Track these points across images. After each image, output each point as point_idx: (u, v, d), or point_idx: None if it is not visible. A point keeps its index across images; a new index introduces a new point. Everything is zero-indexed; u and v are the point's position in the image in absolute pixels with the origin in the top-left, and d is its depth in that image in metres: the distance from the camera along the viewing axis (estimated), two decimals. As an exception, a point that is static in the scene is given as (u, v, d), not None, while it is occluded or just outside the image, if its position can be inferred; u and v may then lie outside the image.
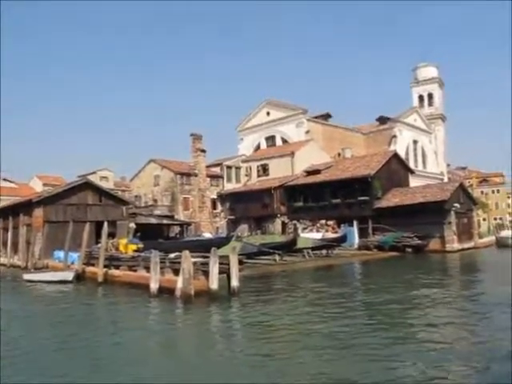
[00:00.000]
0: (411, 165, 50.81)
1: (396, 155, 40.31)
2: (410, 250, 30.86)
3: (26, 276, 22.25)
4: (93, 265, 21.54)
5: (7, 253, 31.85)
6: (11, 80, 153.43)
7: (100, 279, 19.12)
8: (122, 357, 8.52)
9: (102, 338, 10.02)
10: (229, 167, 48.83)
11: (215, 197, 46.44)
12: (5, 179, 62.36)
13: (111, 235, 25.52)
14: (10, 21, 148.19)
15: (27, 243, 28.58)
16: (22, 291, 19.64)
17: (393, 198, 34.86)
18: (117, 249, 24.08)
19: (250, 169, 48.75)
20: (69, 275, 20.40)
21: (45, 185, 57.59)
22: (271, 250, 23.65)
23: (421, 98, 71.60)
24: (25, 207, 30.77)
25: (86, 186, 31.35)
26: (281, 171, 44.38)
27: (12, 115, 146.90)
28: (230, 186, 47.49)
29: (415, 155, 62.21)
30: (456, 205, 32.20)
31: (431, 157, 65.78)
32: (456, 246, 31.46)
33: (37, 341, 9.93)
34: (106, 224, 21.66)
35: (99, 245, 22.27)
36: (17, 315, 13.51)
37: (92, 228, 24.99)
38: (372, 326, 10.22)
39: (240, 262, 15.83)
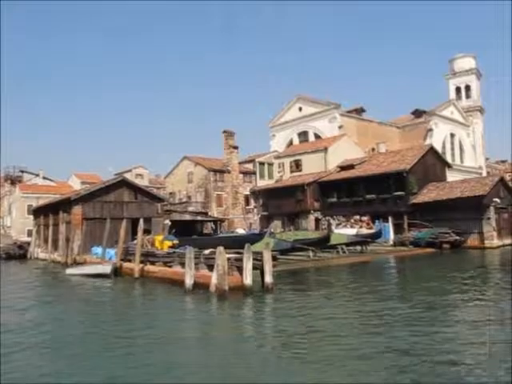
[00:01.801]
0: (448, 159, 49.50)
1: (432, 149, 39.40)
2: (447, 246, 30.10)
3: (68, 270, 23.17)
4: (129, 261, 22.03)
5: (48, 249, 32.94)
6: (48, 79, 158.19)
7: (136, 275, 19.52)
8: (159, 349, 8.70)
9: (140, 331, 10.28)
10: (261, 163, 48.89)
11: (248, 193, 46.62)
12: (44, 177, 64.31)
13: (147, 232, 26.01)
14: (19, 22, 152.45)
15: (67, 240, 29.46)
16: (67, 285, 20.29)
17: (429, 193, 34.12)
18: (152, 245, 24.52)
19: (283, 165, 48.63)
20: (107, 268, 20.97)
21: (83, 183, 59.08)
22: (305, 246, 23.56)
23: (458, 89, 69.57)
24: (64, 205, 31.70)
25: (122, 183, 32.01)
26: (314, 167, 44.08)
27: (50, 115, 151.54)
28: (262, 183, 47.55)
29: (452, 149, 60.62)
30: (496, 200, 31.21)
31: (469, 150, 63.96)
32: (496, 242, 30.52)
33: (77, 330, 10.25)
34: (141, 221, 22.10)
35: (135, 241, 22.75)
36: (61, 308, 13.99)
37: (128, 225, 25.51)
38: (409, 321, 10.05)
39: (273, 258, 15.85)
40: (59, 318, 12.30)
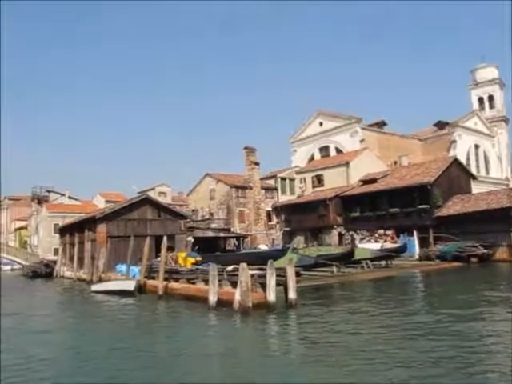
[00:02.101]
0: (473, 170, 48.67)
1: (456, 161, 38.84)
2: (474, 259, 29.40)
3: (93, 287, 23.55)
4: (153, 278, 22.15)
5: (74, 267, 33.43)
6: (74, 93, 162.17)
7: (160, 292, 19.58)
8: (184, 364, 8.69)
9: (164, 346, 10.29)
10: (283, 179, 48.90)
11: (270, 209, 46.58)
12: (70, 197, 65.60)
13: (170, 249, 26.18)
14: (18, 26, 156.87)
15: (92, 258, 29.87)
16: (91, 302, 20.52)
17: (454, 206, 33.52)
18: (176, 262, 24.64)
19: (305, 180, 48.54)
20: (131, 284, 21.12)
21: (107, 201, 60.00)
22: (328, 262, 23.33)
23: (481, 100, 68.63)
24: (89, 223, 32.23)
25: (146, 201, 32.44)
26: (336, 181, 43.87)
27: (75, 136, 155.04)
28: (284, 198, 47.49)
29: (477, 160, 59.59)
30: (524, 211, 30.43)
31: (494, 162, 62.77)
32: (526, 254, 29.67)
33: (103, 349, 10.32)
34: (165, 238, 22.26)
35: (159, 258, 22.90)
36: (88, 327, 14.13)
37: (152, 242, 25.78)
38: (435, 334, 9.80)
39: (297, 274, 15.74)
40: (85, 336, 12.41)
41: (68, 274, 34.91)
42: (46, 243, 56.56)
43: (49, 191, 65.05)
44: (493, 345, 9.38)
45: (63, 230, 42.63)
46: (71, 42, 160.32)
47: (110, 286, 22.31)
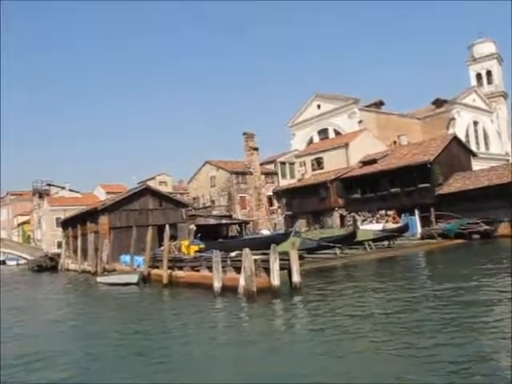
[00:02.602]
0: (473, 147, 48.57)
1: (456, 138, 38.71)
2: (477, 236, 29.51)
3: (99, 279, 23.74)
4: (157, 267, 22.24)
5: (78, 259, 33.58)
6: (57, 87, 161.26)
7: (165, 281, 19.69)
8: (193, 353, 8.78)
9: (173, 336, 10.39)
10: (283, 163, 48.83)
11: (271, 194, 46.61)
12: (70, 190, 65.65)
13: (173, 238, 26.24)
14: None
15: (95, 249, 29.98)
16: (98, 293, 20.70)
17: (455, 184, 33.50)
18: (179, 250, 24.71)
19: (305, 163, 48.45)
20: (133, 277, 21.34)
21: (108, 193, 60.05)
22: (331, 244, 23.40)
23: (479, 76, 68.18)
24: (91, 215, 32.29)
25: (147, 191, 32.42)
26: (336, 164, 43.80)
27: (73, 127, 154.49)
28: (284, 182, 47.48)
29: (476, 137, 59.45)
30: (525, 185, 30.43)
31: (494, 137, 62.59)
32: (528, 229, 29.73)
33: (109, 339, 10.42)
34: (167, 227, 22.32)
35: (162, 248, 22.99)
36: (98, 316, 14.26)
37: (154, 232, 25.81)
38: (441, 322, 9.87)
39: (300, 258, 15.78)
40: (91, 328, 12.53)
41: (72, 266, 35.10)
42: (49, 237, 56.85)
43: (49, 185, 65.08)
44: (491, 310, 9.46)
45: (65, 223, 42.74)
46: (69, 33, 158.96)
47: (114, 279, 22.48)
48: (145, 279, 21.77)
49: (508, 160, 58.04)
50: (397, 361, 7.32)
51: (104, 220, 30.24)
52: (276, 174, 48.14)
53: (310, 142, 56.85)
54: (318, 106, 56.26)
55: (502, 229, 30.03)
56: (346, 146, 44.02)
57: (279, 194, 46.54)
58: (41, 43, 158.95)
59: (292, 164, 49.31)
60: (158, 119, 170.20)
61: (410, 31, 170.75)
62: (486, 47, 67.88)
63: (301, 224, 40.78)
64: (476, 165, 39.40)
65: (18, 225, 74.26)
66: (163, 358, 8.56)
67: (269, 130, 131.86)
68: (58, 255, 40.21)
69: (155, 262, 23.00)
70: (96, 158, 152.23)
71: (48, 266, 38.26)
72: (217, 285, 15.50)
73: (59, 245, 47.89)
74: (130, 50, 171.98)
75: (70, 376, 7.83)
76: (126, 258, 25.99)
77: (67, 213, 50.63)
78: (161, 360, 8.45)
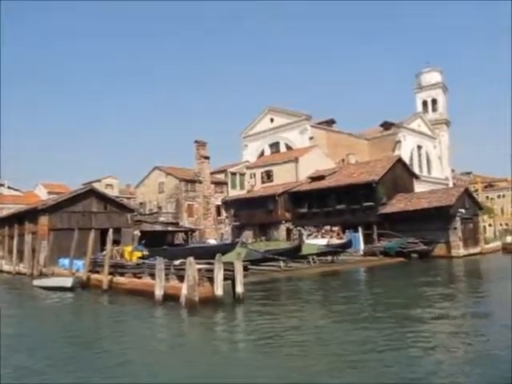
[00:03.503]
0: (416, 170, 50.77)
1: (400, 160, 40.26)
2: (415, 255, 30.73)
3: (35, 282, 22.68)
4: (98, 272, 21.55)
5: (13, 260, 31.94)
6: (15, 84, 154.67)
7: (105, 286, 19.10)
8: (128, 364, 8.50)
9: (108, 346, 10.03)
10: (233, 174, 48.87)
11: (220, 203, 46.45)
12: (9, 187, 62.59)
13: (116, 242, 25.53)
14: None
15: (32, 251, 28.65)
16: (31, 298, 19.73)
17: (397, 204, 34.78)
18: (122, 256, 24.07)
19: (255, 175, 48.77)
20: (67, 281, 20.48)
21: (49, 193, 57.72)
22: (276, 257, 23.58)
23: (424, 103, 71.57)
24: (30, 215, 30.87)
25: (91, 193, 31.40)
26: (285, 177, 44.38)
27: (15, 122, 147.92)
28: (234, 193, 47.50)
29: (420, 160, 62.20)
30: (461, 210, 32.08)
31: (436, 162, 65.69)
32: (462, 251, 31.30)
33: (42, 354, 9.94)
34: (111, 231, 21.70)
35: (104, 252, 22.31)
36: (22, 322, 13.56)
37: (97, 235, 25.01)
38: (378, 331, 10.15)
39: (245, 269, 15.82)
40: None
41: (6, 267, 33.32)
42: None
43: (-14, 181, 61.75)
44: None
45: (2, 222, 40.51)
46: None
47: (49, 282, 21.52)
48: (84, 284, 20.98)
49: (447, 184, 61.14)
50: (331, 368, 7.45)
51: (44, 220, 28.96)
52: (226, 183, 48.07)
53: (262, 154, 57.38)
54: (271, 120, 56.97)
55: (439, 249, 31.51)
56: (296, 160, 44.74)
57: (228, 204, 46.48)
58: None
59: (242, 175, 49.46)
60: (109, 120, 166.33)
61: (364, 54, 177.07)
62: (433, 76, 71.41)
63: (247, 235, 40.90)
64: (418, 187, 41.12)
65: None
66: (91, 363, 8.29)
67: (221, 139, 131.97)
68: (-9, 255, 38.09)
69: (96, 266, 22.25)
70: (40, 156, 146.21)
71: (-21, 266, 36.12)
72: (158, 293, 15.20)
73: (-7, 244, 45.41)
74: (82, 49, 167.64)
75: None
76: (65, 261, 24.96)
77: (4, 211, 48.18)
78: (88, 365, 8.17)
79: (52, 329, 12.47)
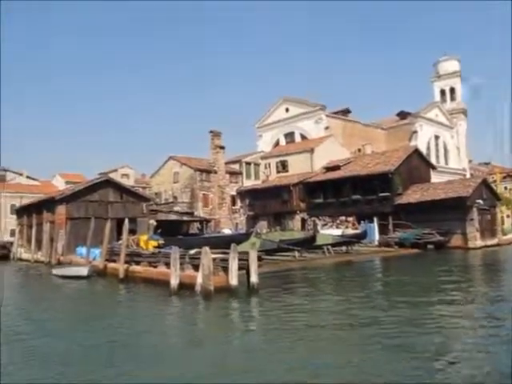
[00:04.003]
0: (432, 160, 50.12)
1: (417, 151, 39.83)
2: (431, 246, 30.45)
3: (54, 271, 23.08)
4: (114, 261, 21.84)
5: (31, 249, 32.52)
6: (32, 79, 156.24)
7: (121, 275, 19.35)
8: (144, 352, 8.62)
9: (123, 332, 10.19)
10: (248, 164, 48.88)
11: (234, 193, 46.56)
12: (28, 177, 63.52)
13: (132, 232, 25.82)
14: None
15: (50, 239, 29.12)
16: (54, 286, 20.12)
17: (413, 194, 34.45)
18: (137, 245, 24.33)
19: (269, 165, 48.71)
20: (83, 270, 20.83)
21: (67, 182, 58.47)
22: (290, 247, 23.59)
23: (442, 92, 70.45)
24: (48, 204, 31.34)
25: (107, 183, 31.75)
26: (300, 167, 44.24)
27: (33, 114, 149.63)
28: (249, 183, 47.55)
29: (437, 151, 61.37)
30: (479, 201, 31.64)
31: (453, 152, 64.75)
32: (479, 242, 30.93)
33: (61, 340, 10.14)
34: (126, 221, 21.92)
35: (120, 241, 22.57)
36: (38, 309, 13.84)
37: (113, 225, 25.34)
38: (391, 318, 10.12)
39: (259, 259, 15.83)
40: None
41: (25, 256, 33.96)
42: (2, 224, 54.75)
43: (5, 170, 62.74)
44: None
45: (21, 211, 41.28)
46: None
47: (66, 271, 21.90)
48: (100, 273, 21.30)
49: (465, 175, 60.31)
50: (346, 360, 7.46)
51: (61, 210, 29.40)
52: (241, 173, 48.14)
53: (277, 144, 57.21)
54: (287, 110, 56.68)
55: (455, 240, 31.15)
56: (311, 150, 44.55)
57: (243, 194, 46.57)
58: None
59: (257, 165, 49.44)
60: (125, 111, 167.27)
61: (381, 42, 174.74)
62: (451, 65, 70.18)
63: (262, 225, 40.97)
64: (435, 177, 40.65)
65: (-30, 210, 71.25)
66: (106, 352, 8.45)
67: (236, 129, 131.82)
68: (11, 243, 38.81)
69: (112, 255, 22.56)
70: (57, 145, 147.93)
71: (-1, 254, 36.86)
72: (174, 282, 15.34)
73: (12, 233, 46.25)
74: (103, 41, 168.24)
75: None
76: (82, 250, 25.34)
77: (23, 200, 48.99)
78: (102, 354, 8.33)
79: (78, 316, 12.70)
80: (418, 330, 9.22)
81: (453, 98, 69.83)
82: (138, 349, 8.72)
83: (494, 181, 71.38)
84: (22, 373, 7.42)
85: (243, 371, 7.16)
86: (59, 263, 26.28)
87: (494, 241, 33.57)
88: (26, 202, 44.21)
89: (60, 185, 59.07)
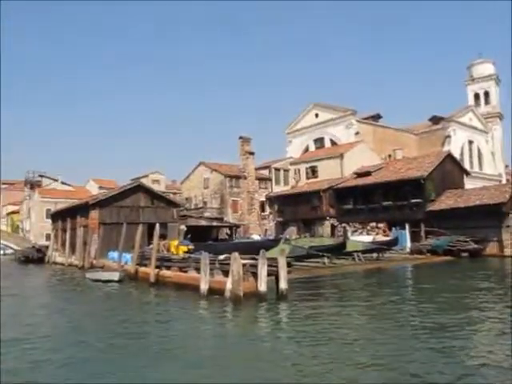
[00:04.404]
0: (466, 166, 48.91)
1: (450, 156, 38.99)
2: (465, 254, 29.66)
3: (87, 274, 23.65)
4: (145, 265, 22.13)
5: (65, 253, 33.33)
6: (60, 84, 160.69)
7: (152, 279, 19.60)
8: (175, 356, 8.70)
9: (154, 336, 10.30)
10: (277, 169, 48.87)
11: (264, 199, 46.59)
12: (63, 182, 65.26)
13: (162, 237, 26.13)
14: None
15: (84, 244, 29.77)
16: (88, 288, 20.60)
17: (447, 201, 33.69)
18: (168, 250, 24.60)
19: (299, 171, 48.56)
20: (115, 275, 21.24)
21: (100, 188, 59.81)
22: (320, 253, 23.42)
23: (476, 96, 68.79)
24: (82, 209, 32.09)
25: (139, 188, 32.29)
26: (330, 173, 43.92)
27: (70, 120, 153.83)
28: (278, 189, 47.51)
29: (471, 156, 59.86)
30: (515, 207, 30.67)
31: (488, 157, 63.05)
32: (515, 250, 29.93)
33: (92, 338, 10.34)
34: (157, 226, 22.21)
35: (151, 246, 22.87)
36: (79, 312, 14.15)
37: (144, 230, 25.71)
38: (422, 335, 9.90)
39: (288, 265, 15.77)
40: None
41: (60, 259, 34.84)
42: (38, 228, 56.38)
43: (42, 176, 64.74)
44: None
45: (55, 216, 42.45)
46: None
47: (99, 275, 22.40)
48: (131, 277, 21.64)
49: (500, 181, 58.59)
50: (376, 369, 7.34)
51: (94, 215, 30.06)
52: (270, 179, 48.16)
53: (306, 150, 57.00)
54: (316, 115, 56.46)
55: (491, 248, 30.25)
56: (341, 156, 44.20)
57: (272, 199, 46.56)
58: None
59: (286, 171, 49.37)
60: (156, 117, 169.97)
61: (412, 47, 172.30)
62: (485, 68, 68.54)
63: (291, 231, 40.77)
64: (468, 183, 39.67)
65: (7, 214, 73.65)
66: (139, 352, 8.57)
67: (266, 135, 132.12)
68: (46, 247, 39.89)
69: (143, 260, 22.87)
70: (91, 152, 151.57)
71: (35, 257, 37.88)
72: (203, 286, 15.44)
73: (47, 237, 47.53)
74: (134, 49, 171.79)
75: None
76: (114, 254, 25.80)
77: (58, 205, 50.31)
78: (137, 354, 8.44)
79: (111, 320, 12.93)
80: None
81: (487, 102, 68.11)
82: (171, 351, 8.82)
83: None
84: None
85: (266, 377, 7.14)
86: (92, 267, 26.82)
87: (532, 249, 32.41)
88: (60, 207, 45.39)
89: (93, 190, 60.45)
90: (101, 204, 30.36)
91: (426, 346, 8.62)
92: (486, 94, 68.23)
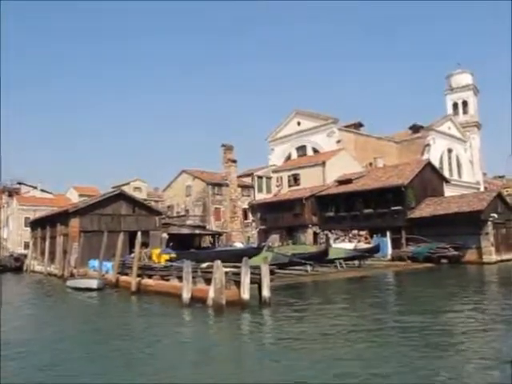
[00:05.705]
0: (446, 174, 49.71)
1: (430, 164, 39.60)
2: (445, 261, 30.09)
3: (68, 282, 23.55)
4: (126, 274, 21.92)
5: (44, 261, 32.77)
6: (44, 88, 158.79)
7: (133, 288, 19.41)
8: (156, 365, 8.60)
9: (136, 346, 10.17)
10: (260, 177, 48.99)
11: (246, 207, 46.59)
12: (42, 190, 64.25)
13: (144, 245, 25.91)
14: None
15: (64, 252, 29.32)
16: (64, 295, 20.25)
17: (427, 208, 34.17)
18: (150, 258, 24.39)
19: (281, 179, 48.75)
20: (93, 283, 21.15)
21: (81, 195, 59.03)
22: (303, 261, 23.49)
23: (455, 105, 70.06)
24: (62, 217, 31.62)
25: (120, 196, 31.96)
26: (312, 181, 44.19)
27: (49, 127, 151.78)
28: (260, 196, 47.58)
29: (450, 164, 60.88)
30: (493, 215, 31.24)
31: (466, 166, 64.20)
32: (494, 257, 30.45)
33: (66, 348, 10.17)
34: (139, 234, 22.04)
35: (132, 254, 22.67)
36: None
37: (126, 238, 25.45)
38: (405, 342, 9.99)
39: (271, 272, 15.77)
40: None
41: (38, 268, 34.24)
42: (16, 236, 55.32)
43: (20, 183, 63.63)
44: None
45: (34, 224, 41.72)
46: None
47: (78, 283, 22.31)
48: (112, 285, 21.40)
49: (479, 188, 59.70)
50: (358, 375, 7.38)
51: (75, 223, 29.63)
52: (252, 187, 48.24)
53: (288, 157, 57.27)
54: (298, 123, 56.81)
55: (470, 255, 30.73)
56: (323, 164, 44.53)
57: (254, 207, 46.57)
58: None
59: (269, 178, 49.52)
60: (138, 124, 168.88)
61: (393, 56, 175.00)
62: (464, 78, 69.89)
63: (274, 239, 40.86)
64: (448, 191, 40.30)
65: (-16, 222, 72.18)
66: (117, 363, 8.47)
67: (248, 143, 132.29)
68: (25, 256, 39.18)
69: (125, 268, 22.66)
70: (71, 159, 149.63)
71: (12, 266, 37.20)
72: (186, 295, 15.34)
73: (26, 245, 46.71)
74: (114, 53, 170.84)
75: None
76: (95, 262, 25.45)
77: (37, 213, 49.51)
78: (114, 366, 8.34)
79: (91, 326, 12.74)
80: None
81: (465, 111, 69.43)
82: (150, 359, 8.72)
83: (509, 194, 70.48)
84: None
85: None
86: (72, 276, 26.44)
87: (510, 255, 33.02)
88: (39, 214, 44.68)
89: (74, 198, 59.61)
90: (81, 212, 29.96)
91: (405, 343, 8.71)
92: (465, 103, 69.57)
